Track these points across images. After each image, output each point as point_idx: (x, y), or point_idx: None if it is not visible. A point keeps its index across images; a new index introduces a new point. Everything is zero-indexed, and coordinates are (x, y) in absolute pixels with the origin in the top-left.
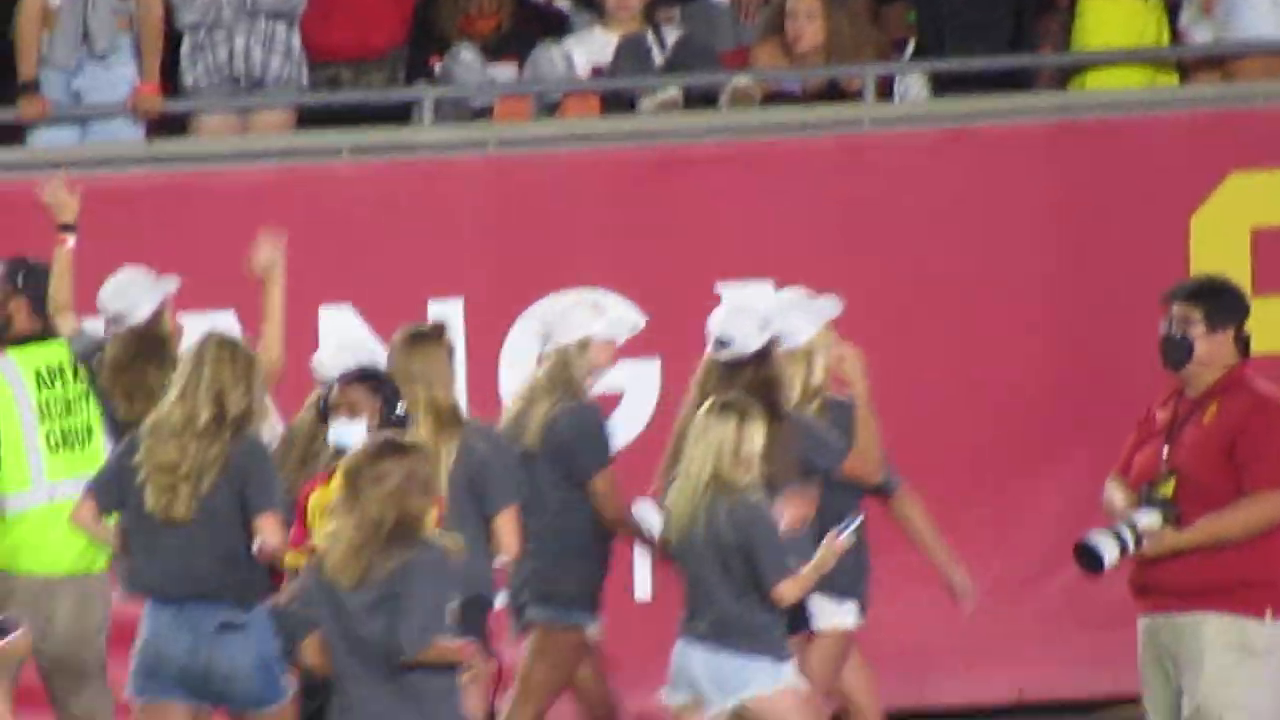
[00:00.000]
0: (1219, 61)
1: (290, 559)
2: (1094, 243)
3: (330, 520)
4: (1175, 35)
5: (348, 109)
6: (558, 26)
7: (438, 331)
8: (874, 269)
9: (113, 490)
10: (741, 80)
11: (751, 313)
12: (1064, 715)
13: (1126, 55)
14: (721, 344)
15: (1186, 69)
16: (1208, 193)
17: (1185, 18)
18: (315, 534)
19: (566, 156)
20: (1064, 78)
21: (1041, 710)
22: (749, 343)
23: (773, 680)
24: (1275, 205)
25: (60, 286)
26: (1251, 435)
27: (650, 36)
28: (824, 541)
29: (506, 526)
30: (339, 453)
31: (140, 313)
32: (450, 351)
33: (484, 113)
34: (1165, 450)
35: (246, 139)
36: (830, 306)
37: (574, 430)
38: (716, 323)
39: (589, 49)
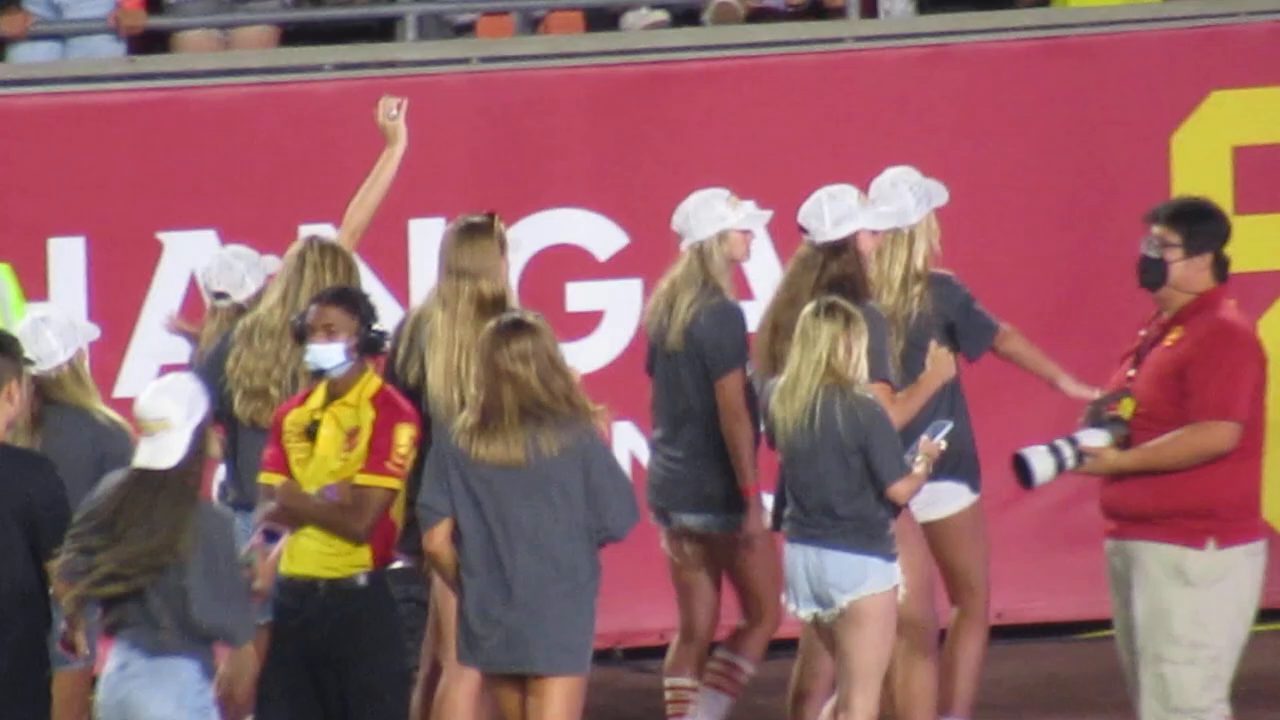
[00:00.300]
0: None
1: (263, 478)
2: (1076, 160)
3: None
4: None
5: (330, 25)
6: None
7: (488, 223)
8: (856, 186)
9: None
10: None
11: (836, 202)
12: (1041, 638)
13: None
14: (802, 230)
15: None
16: (1189, 110)
17: None
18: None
19: (549, 73)
20: None
21: (1019, 633)
22: (821, 233)
23: (886, 578)
24: (1257, 123)
25: None
26: (1201, 363)
27: None
28: (919, 446)
29: None
30: (317, 374)
31: (245, 291)
32: (503, 242)
33: (467, 29)
34: (1131, 371)
35: (229, 55)
36: (940, 192)
37: (713, 327)
38: (802, 209)
39: None
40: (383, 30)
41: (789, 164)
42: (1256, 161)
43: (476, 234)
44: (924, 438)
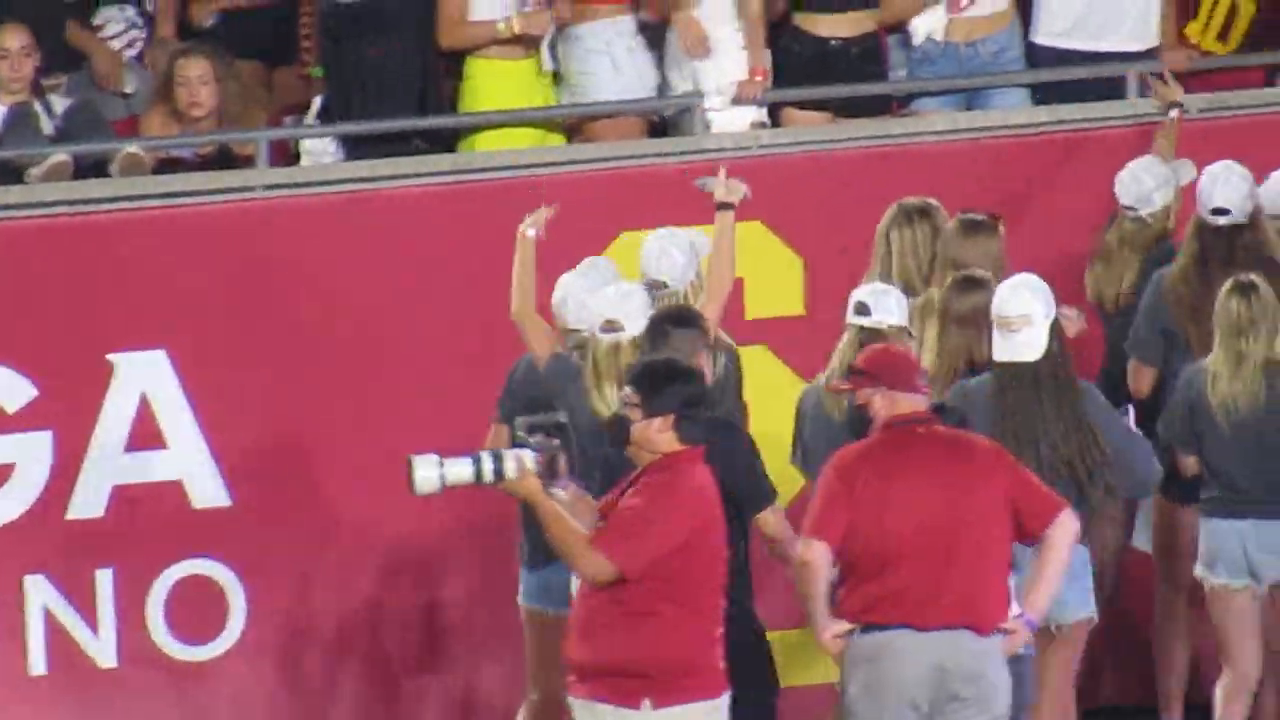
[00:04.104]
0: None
1: None
2: (489, 303)
3: None
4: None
5: None
6: None
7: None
8: (273, 335)
9: None
10: (131, 147)
11: (1241, 176)
12: None
13: (524, 115)
14: (1221, 211)
15: (571, 130)
16: (600, 251)
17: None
18: None
19: None
20: (455, 140)
21: None
22: (1245, 207)
23: None
24: None
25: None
26: (626, 502)
27: (39, 105)
28: None
29: None
30: None
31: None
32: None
33: None
34: None
35: None
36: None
37: None
38: (1212, 192)
39: None
40: None
41: (204, 313)
42: None
43: (979, 231)
44: None
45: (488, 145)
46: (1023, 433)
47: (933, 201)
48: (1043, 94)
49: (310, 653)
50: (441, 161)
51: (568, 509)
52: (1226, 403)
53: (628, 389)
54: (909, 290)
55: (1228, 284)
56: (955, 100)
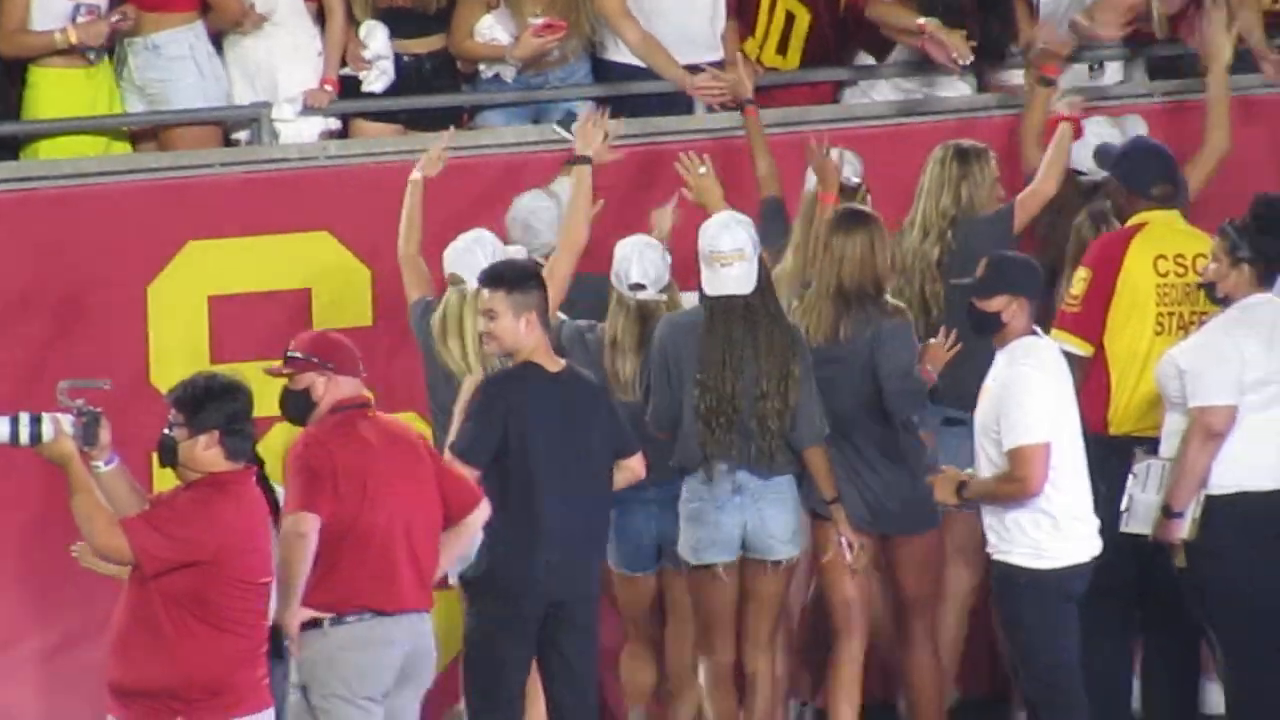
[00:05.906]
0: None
1: None
2: (54, 315)
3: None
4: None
5: None
6: None
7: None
8: None
9: None
10: None
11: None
12: None
13: (97, 123)
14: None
15: (144, 138)
16: (165, 261)
17: None
18: None
19: None
20: (18, 147)
21: None
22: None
23: None
24: (229, 273)
25: None
26: None
27: None
28: None
29: None
30: None
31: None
32: None
33: None
34: None
35: None
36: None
37: None
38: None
39: None
40: None
41: None
42: (231, 310)
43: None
44: None
45: (51, 153)
46: (732, 359)
47: (980, 145)
48: (612, 110)
49: None
50: (3, 169)
51: (108, 484)
52: None
53: (171, 410)
54: (925, 230)
55: (1081, 213)
56: (523, 116)
